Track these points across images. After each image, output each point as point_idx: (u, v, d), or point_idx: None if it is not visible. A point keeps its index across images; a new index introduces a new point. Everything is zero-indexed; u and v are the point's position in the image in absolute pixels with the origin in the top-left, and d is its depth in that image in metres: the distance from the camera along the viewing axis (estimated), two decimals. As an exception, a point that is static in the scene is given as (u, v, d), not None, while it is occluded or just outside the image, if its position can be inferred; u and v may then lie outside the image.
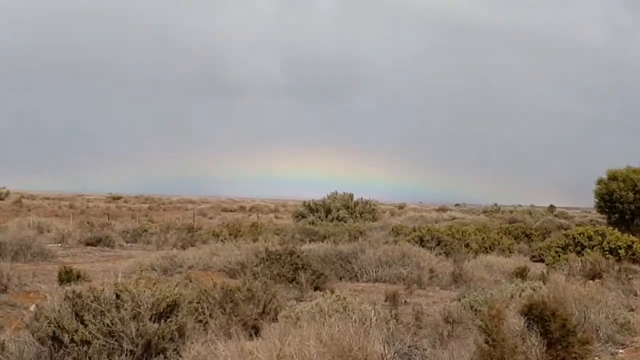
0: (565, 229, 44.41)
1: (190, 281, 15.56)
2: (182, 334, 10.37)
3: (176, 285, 11.81)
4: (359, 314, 10.96)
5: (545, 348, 11.32)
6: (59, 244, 36.34)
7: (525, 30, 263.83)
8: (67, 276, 18.66)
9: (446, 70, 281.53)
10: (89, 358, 9.54)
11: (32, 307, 13.17)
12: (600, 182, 55.47)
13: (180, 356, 9.03)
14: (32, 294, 17.84)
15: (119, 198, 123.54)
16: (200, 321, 11.86)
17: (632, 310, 18.00)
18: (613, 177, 54.74)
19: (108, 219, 61.70)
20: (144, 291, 10.37)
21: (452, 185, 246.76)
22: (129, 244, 41.58)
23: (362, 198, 65.95)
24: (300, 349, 6.73)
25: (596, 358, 12.95)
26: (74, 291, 10.15)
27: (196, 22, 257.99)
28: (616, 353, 13.61)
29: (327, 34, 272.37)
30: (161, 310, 10.39)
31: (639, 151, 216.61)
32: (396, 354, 10.36)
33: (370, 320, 10.26)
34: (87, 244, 37.39)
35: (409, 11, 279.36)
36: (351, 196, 65.28)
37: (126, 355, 9.67)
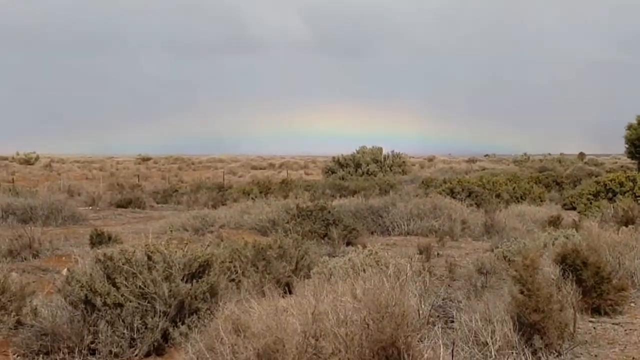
0: (596, 176, 44.18)
1: (222, 240, 15.56)
2: (214, 294, 10.36)
3: (208, 245, 11.81)
4: (393, 268, 10.87)
5: (580, 296, 11.23)
6: (90, 207, 36.47)
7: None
8: (98, 239, 18.71)
9: (475, 18, 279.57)
10: (122, 320, 9.54)
11: (64, 271, 13.21)
12: (630, 127, 55.15)
13: (214, 316, 8.98)
14: (64, 258, 17.90)
15: (148, 159, 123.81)
16: (233, 280, 11.84)
17: (667, 254, 17.84)
18: (642, 122, 54.38)
19: (138, 180, 61.93)
20: (176, 252, 10.35)
21: (481, 136, 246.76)
22: (159, 205, 41.72)
23: (392, 151, 65.78)
24: (335, 305, 6.66)
25: (632, 304, 12.85)
26: (105, 254, 10.14)
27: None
28: (652, 299, 13.49)
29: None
30: (193, 271, 10.37)
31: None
32: (431, 307, 10.30)
33: (406, 274, 10.16)
34: (118, 206, 37.51)
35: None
36: (380, 150, 65.12)
37: (159, 316, 9.66)
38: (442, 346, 7.13)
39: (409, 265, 11.40)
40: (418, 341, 7.11)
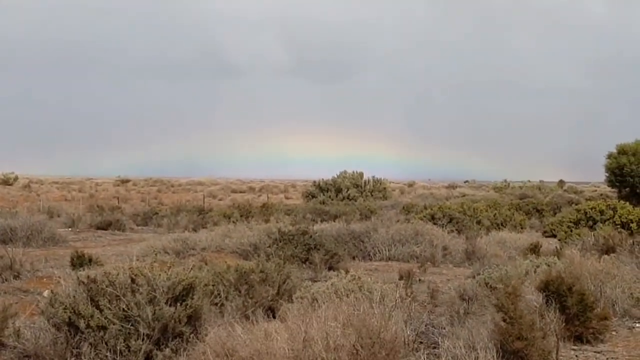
0: (576, 204, 44.36)
1: (206, 264, 15.53)
2: (198, 317, 10.33)
3: (191, 268, 11.77)
4: (377, 293, 10.89)
5: (563, 324, 11.27)
6: (70, 229, 36.31)
7: (532, 4, 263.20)
8: (79, 261, 18.63)
9: (454, 47, 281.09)
10: (106, 343, 9.49)
11: (46, 293, 13.17)
12: (610, 156, 55.45)
13: (198, 339, 8.97)
14: (44, 280, 17.81)
15: (127, 181, 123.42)
16: (216, 304, 11.82)
17: (647, 284, 17.93)
18: (623, 151, 54.73)
19: (118, 202, 61.74)
20: (160, 275, 10.32)
21: (460, 162, 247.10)
22: (139, 227, 41.57)
23: (372, 176, 65.83)
24: (325, 331, 6.66)
25: (614, 333, 12.89)
26: (88, 276, 10.11)
27: (196, 4, 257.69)
28: (633, 327, 13.54)
29: (330, 13, 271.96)
30: (177, 294, 10.34)
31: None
32: (415, 333, 10.31)
33: (395, 300, 10.18)
34: (98, 228, 37.34)
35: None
36: (361, 175, 65.15)
37: (143, 339, 9.62)
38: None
39: (397, 291, 11.40)
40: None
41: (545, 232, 34.05)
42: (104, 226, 37.71)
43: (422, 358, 7.64)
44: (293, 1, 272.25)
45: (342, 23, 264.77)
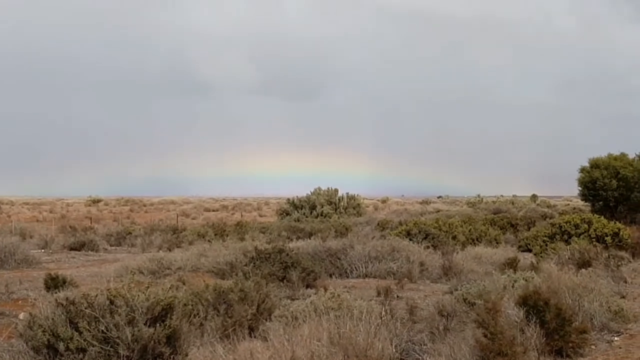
0: (550, 218, 44.55)
1: (183, 283, 15.45)
2: (178, 337, 10.25)
3: (169, 288, 11.69)
4: (359, 311, 10.85)
5: (543, 339, 11.27)
6: (43, 250, 36.03)
7: (499, 22, 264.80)
8: (53, 282, 18.48)
9: (423, 65, 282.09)
10: (85, 365, 9.41)
11: (22, 315, 13.04)
12: (582, 170, 55.72)
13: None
14: (20, 302, 17.68)
15: (99, 201, 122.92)
16: (195, 324, 11.74)
17: (624, 297, 18.02)
18: (595, 165, 55.01)
19: (90, 223, 61.40)
20: (138, 295, 10.23)
21: (433, 177, 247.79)
22: (113, 247, 41.33)
23: (347, 193, 65.79)
24: (311, 349, 6.62)
25: (592, 346, 12.91)
26: (67, 298, 10.01)
27: (166, 20, 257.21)
28: (612, 341, 13.57)
29: (299, 30, 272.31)
30: (156, 314, 10.26)
31: (616, 140, 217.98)
32: (397, 350, 10.28)
33: (381, 318, 10.15)
34: (71, 249, 37.09)
35: (381, 5, 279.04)
36: (335, 191, 65.10)
37: (122, 361, 9.54)
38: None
39: (382, 308, 11.37)
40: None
41: (520, 246, 34.14)
42: (78, 247, 37.46)
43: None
44: (262, 19, 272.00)
45: (311, 40, 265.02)
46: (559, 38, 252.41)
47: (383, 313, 11.09)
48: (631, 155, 56.53)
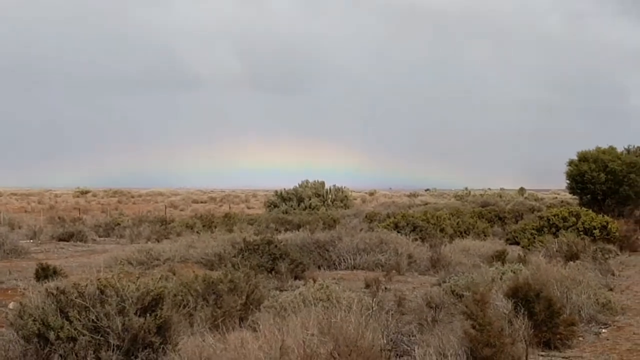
0: (537, 211, 44.63)
1: (174, 274, 15.46)
2: (168, 327, 10.27)
3: (160, 279, 11.71)
4: (348, 302, 10.90)
5: (531, 330, 11.33)
6: (31, 240, 36.03)
7: (487, 18, 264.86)
8: (43, 272, 18.50)
9: (411, 60, 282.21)
10: (76, 354, 9.42)
11: (12, 305, 13.06)
12: (571, 163, 55.68)
13: (168, 350, 8.93)
14: (9, 292, 17.69)
15: (87, 192, 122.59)
16: (185, 314, 11.76)
17: (611, 289, 18.14)
18: (583, 158, 54.99)
19: (79, 214, 61.29)
20: (128, 285, 10.25)
21: (420, 170, 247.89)
22: (102, 238, 41.31)
23: (334, 185, 65.76)
24: (302, 339, 6.65)
25: (580, 338, 13.01)
26: (57, 287, 10.02)
27: (153, 16, 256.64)
28: (599, 333, 13.68)
29: (286, 25, 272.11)
30: (146, 304, 10.27)
31: (602, 134, 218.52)
32: (386, 341, 10.31)
33: (372, 308, 10.19)
34: (60, 240, 37.09)
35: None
36: (322, 184, 65.06)
37: (113, 350, 9.56)
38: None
39: (373, 299, 11.42)
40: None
41: (508, 239, 34.19)
42: (66, 237, 37.46)
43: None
44: (249, 13, 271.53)
45: (297, 35, 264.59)
46: (544, 34, 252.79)
47: (373, 304, 11.12)
48: (620, 149, 56.62)
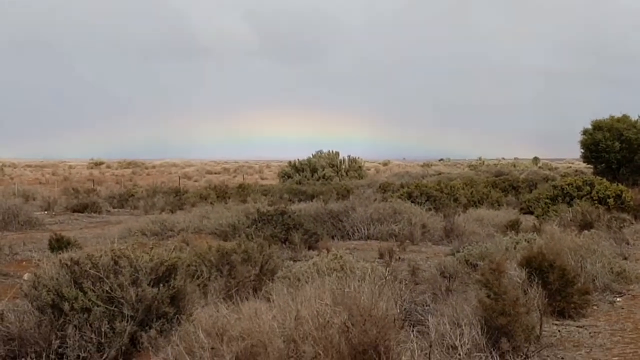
0: (552, 180, 44.51)
1: (187, 244, 15.50)
2: (182, 298, 10.29)
3: (173, 249, 11.72)
4: (362, 272, 10.90)
5: (546, 299, 11.30)
6: (46, 212, 36.15)
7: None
8: (57, 244, 18.55)
9: (424, 27, 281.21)
10: (90, 325, 9.43)
11: (26, 276, 13.09)
12: (585, 132, 55.51)
13: (182, 320, 8.95)
14: (24, 263, 17.76)
15: (101, 164, 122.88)
16: (199, 284, 11.78)
17: (626, 258, 18.08)
18: (598, 127, 54.81)
19: (93, 185, 61.46)
20: (142, 256, 10.27)
21: (435, 140, 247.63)
22: (116, 210, 41.45)
23: (348, 156, 65.75)
24: (315, 309, 6.65)
25: (595, 307, 12.98)
26: (71, 258, 10.04)
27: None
28: (614, 301, 13.63)
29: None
30: (160, 275, 10.28)
31: (617, 103, 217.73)
32: (400, 311, 10.30)
33: (385, 278, 10.18)
34: (74, 211, 37.18)
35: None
36: (337, 154, 65.06)
37: (127, 321, 9.58)
38: (417, 350, 7.15)
39: (386, 269, 11.40)
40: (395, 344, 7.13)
41: (522, 209, 34.10)
42: (80, 209, 37.57)
43: (412, 335, 7.65)
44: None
45: (311, 3, 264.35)
46: (556, 1, 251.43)
47: (387, 273, 11.12)
48: (634, 117, 56.34)
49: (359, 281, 7.22)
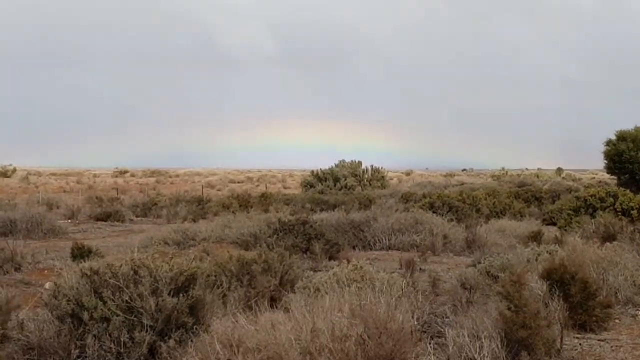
0: (575, 191, 44.29)
1: (208, 254, 15.51)
2: (201, 308, 10.30)
3: (193, 259, 11.74)
4: (381, 283, 10.87)
5: (567, 312, 11.24)
6: (69, 220, 36.28)
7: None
8: (79, 252, 18.60)
9: (447, 37, 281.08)
10: (109, 335, 9.46)
11: (48, 285, 13.15)
12: (609, 143, 55.17)
13: (201, 330, 8.94)
14: (46, 271, 17.81)
15: (125, 172, 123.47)
16: (219, 294, 11.78)
17: (649, 271, 17.92)
18: (622, 137, 54.47)
19: (117, 194, 61.68)
20: (162, 266, 10.28)
21: (458, 150, 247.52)
22: (139, 218, 41.53)
23: (371, 166, 65.72)
24: (331, 321, 6.63)
25: (617, 321, 12.88)
26: (91, 268, 10.07)
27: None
28: (636, 315, 13.52)
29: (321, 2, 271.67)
30: (179, 285, 10.29)
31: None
32: (419, 323, 10.28)
33: (402, 290, 10.16)
34: (97, 219, 37.29)
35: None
36: (359, 164, 65.05)
37: (146, 330, 9.59)
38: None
39: (404, 280, 11.37)
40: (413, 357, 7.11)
41: (544, 220, 33.98)
42: (104, 217, 37.68)
43: (429, 348, 7.61)
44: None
45: (333, 13, 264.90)
46: (586, 10, 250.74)
47: (404, 285, 11.08)
48: (659, 128, 55.89)
49: (377, 293, 7.20)
